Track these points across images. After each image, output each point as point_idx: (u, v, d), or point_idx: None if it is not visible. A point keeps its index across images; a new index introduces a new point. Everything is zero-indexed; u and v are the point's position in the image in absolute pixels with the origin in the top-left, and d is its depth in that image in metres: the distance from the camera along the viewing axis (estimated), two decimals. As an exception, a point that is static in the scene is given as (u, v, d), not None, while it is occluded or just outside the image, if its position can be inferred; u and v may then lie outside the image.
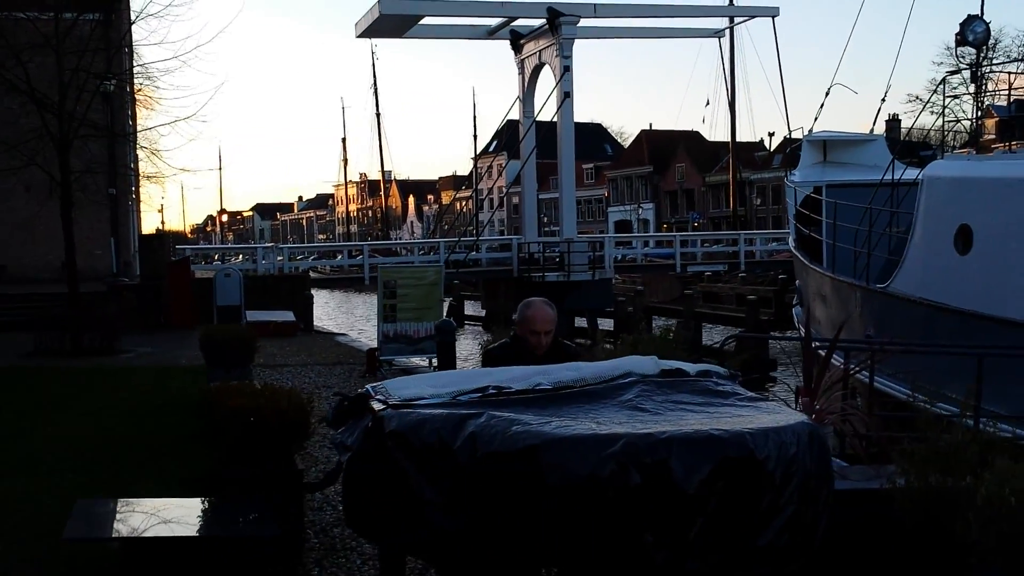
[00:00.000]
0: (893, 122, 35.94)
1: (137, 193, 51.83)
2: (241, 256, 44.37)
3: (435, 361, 14.60)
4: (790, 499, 3.73)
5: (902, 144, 23.13)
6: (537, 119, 38.14)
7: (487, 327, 40.70)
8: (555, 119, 35.89)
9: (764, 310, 29.18)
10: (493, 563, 3.88)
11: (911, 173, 13.68)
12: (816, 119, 20.42)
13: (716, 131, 74.01)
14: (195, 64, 61.25)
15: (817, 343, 8.77)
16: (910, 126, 19.10)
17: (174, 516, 4.99)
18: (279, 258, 33.29)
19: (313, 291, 39.10)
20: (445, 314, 45.21)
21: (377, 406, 4.27)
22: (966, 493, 4.53)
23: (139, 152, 34.60)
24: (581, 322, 36.52)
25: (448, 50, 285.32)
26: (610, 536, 3.58)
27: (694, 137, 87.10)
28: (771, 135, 70.53)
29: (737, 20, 41.71)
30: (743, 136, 62.09)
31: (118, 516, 4.85)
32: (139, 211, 52.33)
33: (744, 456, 3.63)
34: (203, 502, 5.34)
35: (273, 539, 4.81)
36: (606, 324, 35.81)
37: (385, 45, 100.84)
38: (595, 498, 3.56)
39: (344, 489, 4.30)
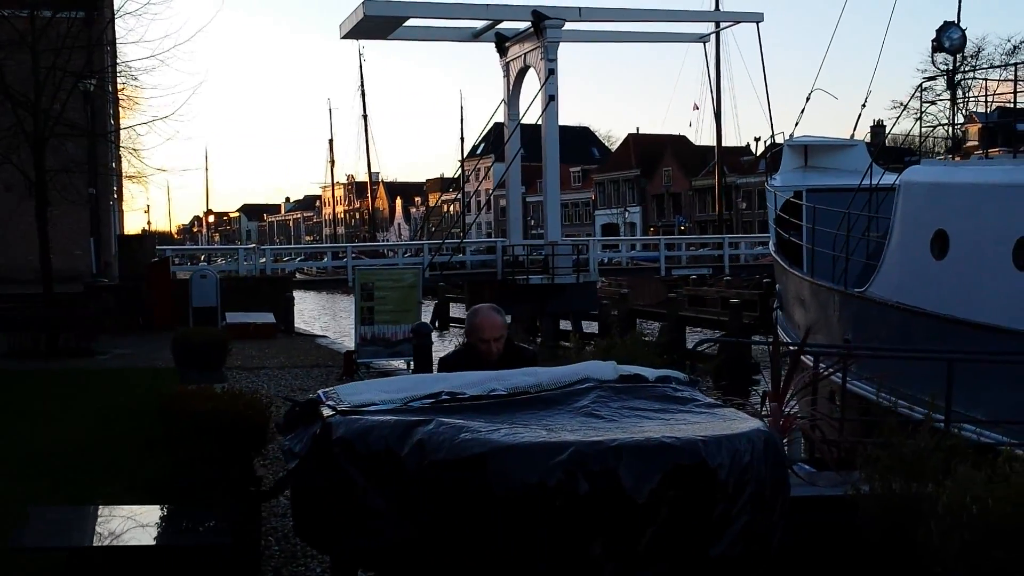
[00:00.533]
0: (877, 128, 36.06)
1: (120, 193, 51.60)
2: (225, 258, 44.18)
3: (413, 364, 14.50)
4: (744, 508, 3.65)
5: (886, 149, 23.16)
6: (523, 122, 38.12)
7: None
8: (540, 122, 35.83)
9: (748, 313, 29.16)
10: (442, 575, 3.79)
11: (889, 178, 13.66)
12: (797, 124, 20.47)
13: (703, 135, 74.24)
14: (174, 63, 61.05)
15: (790, 347, 8.73)
16: (889, 131, 19.08)
17: (124, 525, 4.87)
18: (261, 260, 33.06)
19: (298, 293, 38.95)
20: (430, 316, 45.34)
21: (327, 412, 4.18)
22: (929, 500, 4.47)
23: (120, 152, 34.49)
24: (566, 325, 36.53)
25: (435, 52, 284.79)
26: (559, 547, 3.49)
27: (681, 141, 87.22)
28: (757, 140, 70.79)
29: (722, 25, 41.74)
30: (729, 141, 62.26)
31: (68, 524, 4.75)
32: (121, 211, 52.07)
33: (696, 464, 3.55)
34: (157, 510, 5.23)
35: (224, 548, 4.70)
36: (592, 327, 35.86)
37: (372, 47, 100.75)
38: (543, 508, 3.47)
39: (292, 498, 4.21)
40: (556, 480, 3.45)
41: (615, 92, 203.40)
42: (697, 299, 38.68)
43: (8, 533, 4.76)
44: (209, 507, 4.95)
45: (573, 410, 4.18)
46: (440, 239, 38.17)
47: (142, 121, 22.51)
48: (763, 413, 6.12)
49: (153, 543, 4.68)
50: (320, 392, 4.49)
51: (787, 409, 6.27)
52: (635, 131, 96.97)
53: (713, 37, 44.49)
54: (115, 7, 22.81)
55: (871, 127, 36.02)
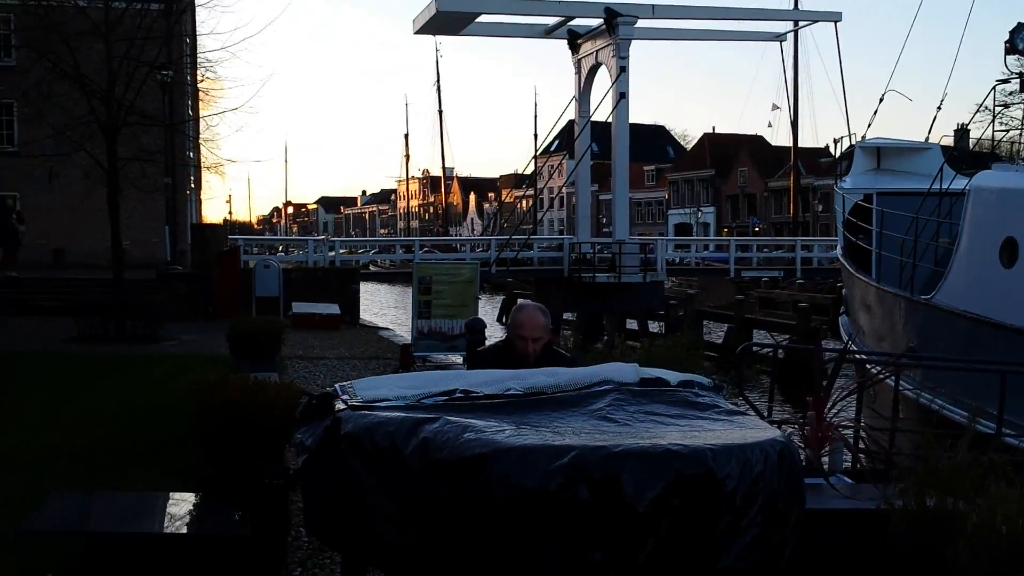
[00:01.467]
0: (961, 132, 35.09)
1: (199, 183, 52.66)
2: (298, 249, 44.73)
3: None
4: (754, 521, 3.53)
5: (970, 154, 22.49)
6: (595, 119, 37.90)
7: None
8: (610, 120, 35.59)
9: (819, 317, 28.57)
10: (447, 577, 3.73)
11: (962, 183, 13.27)
12: (869, 125, 19.84)
13: (780, 136, 73.11)
14: (244, 56, 61.88)
15: (861, 354, 8.48)
16: (963, 134, 18.38)
17: (145, 512, 4.92)
18: (331, 252, 33.39)
19: (371, 285, 39.14)
20: (498, 312, 45.35)
21: (339, 407, 4.15)
22: (960, 518, 4.30)
23: (199, 142, 35.09)
24: (632, 324, 36.26)
25: (509, 48, 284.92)
26: (559, 552, 3.41)
27: (757, 141, 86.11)
28: (836, 141, 69.34)
29: (799, 24, 40.99)
30: (807, 142, 61.25)
31: (87, 509, 4.80)
32: (200, 200, 53.11)
33: (702, 473, 3.44)
34: (180, 498, 5.26)
35: (243, 539, 4.70)
36: (658, 327, 35.54)
37: (448, 41, 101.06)
38: (544, 512, 3.39)
39: (302, 493, 4.19)
40: (556, 484, 3.37)
41: (691, 91, 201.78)
42: (768, 301, 38.10)
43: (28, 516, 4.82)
44: (231, 497, 4.96)
45: (587, 413, 4.09)
46: (509, 235, 38.12)
47: (213, 112, 22.80)
48: (802, 421, 5.97)
49: (171, 531, 4.70)
50: (337, 386, 4.46)
51: (829, 417, 6.12)
52: (711, 130, 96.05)
53: (791, 36, 43.75)
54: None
55: (954, 131, 35.06)
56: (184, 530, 4.74)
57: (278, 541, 5.59)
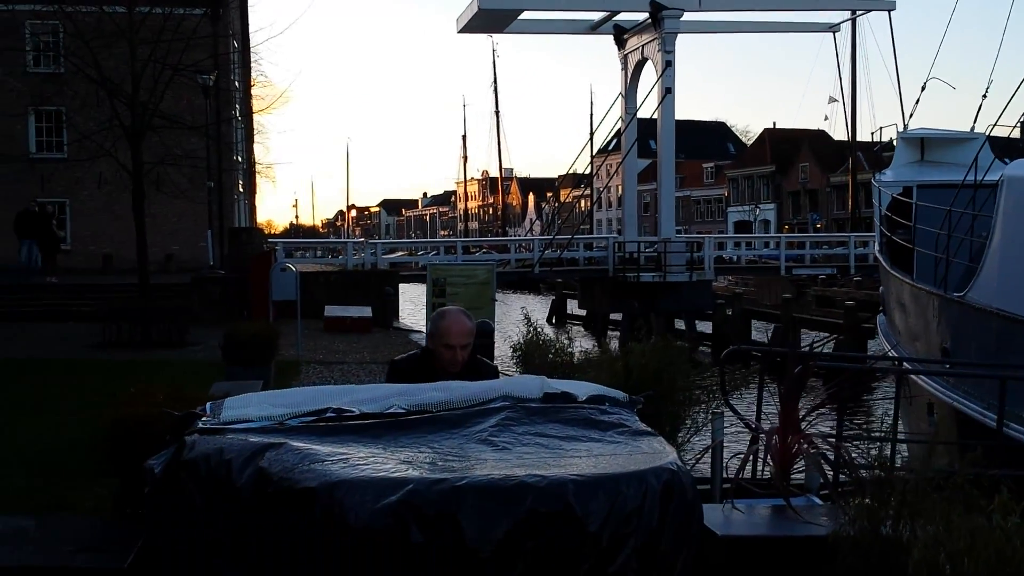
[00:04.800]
0: (1024, 120, 33.71)
1: (252, 185, 52.95)
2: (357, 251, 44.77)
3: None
4: (625, 567, 3.02)
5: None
6: (651, 117, 37.15)
7: (587, 326, 40.03)
8: (655, 116, 34.89)
9: (868, 315, 27.55)
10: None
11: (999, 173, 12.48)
12: (911, 115, 18.82)
13: (837, 129, 71.48)
14: (268, 56, 61.95)
15: (898, 359, 7.88)
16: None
17: (32, 539, 4.53)
18: (371, 253, 33.21)
19: (418, 287, 38.45)
20: (547, 313, 44.83)
21: (194, 428, 3.73)
22: (905, 551, 3.72)
23: (249, 145, 35.16)
24: (681, 324, 35.54)
25: (558, 46, 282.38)
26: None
27: (819, 136, 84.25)
28: (873, 134, 67.51)
29: (851, 15, 39.80)
30: (866, 135, 59.61)
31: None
32: (253, 204, 53.37)
33: (558, 511, 2.94)
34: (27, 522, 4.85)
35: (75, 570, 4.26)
36: (706, 327, 34.78)
37: (498, 40, 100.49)
38: (372, 557, 2.93)
39: (145, 527, 3.76)
40: (384, 523, 2.90)
41: (752, 86, 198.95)
42: (825, 300, 37.07)
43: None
44: (96, 521, 4.55)
45: (467, 435, 3.61)
46: (552, 235, 37.59)
47: (232, 116, 22.67)
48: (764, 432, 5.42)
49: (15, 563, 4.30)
50: (208, 404, 4.04)
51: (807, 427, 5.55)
52: (771, 126, 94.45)
53: (847, 27, 42.62)
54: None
55: (1020, 122, 33.68)
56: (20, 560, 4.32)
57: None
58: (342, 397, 3.97)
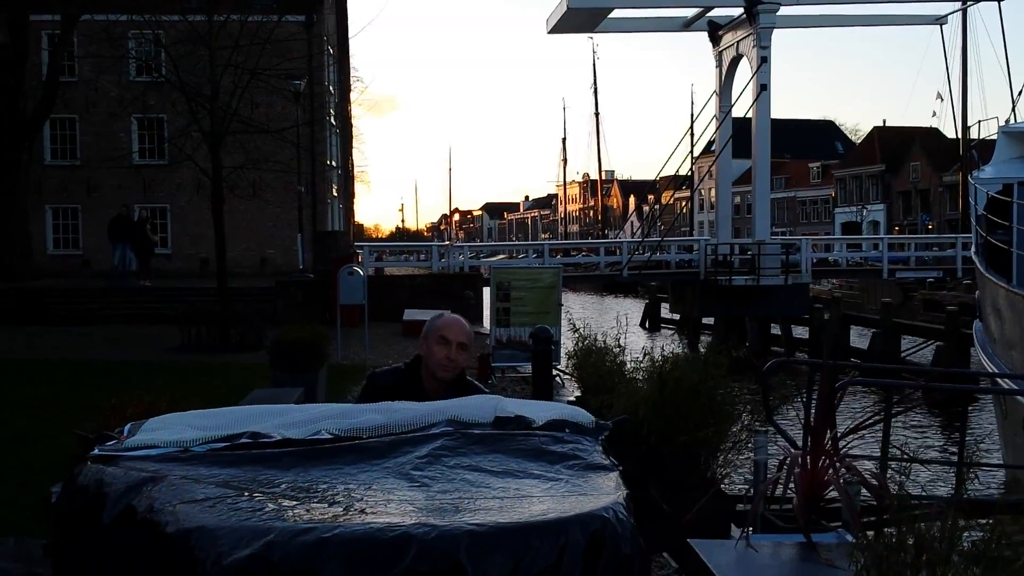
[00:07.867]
0: None
1: (350, 189, 53.35)
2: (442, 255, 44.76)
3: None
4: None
5: None
6: (742, 116, 36.16)
7: (680, 330, 39.09)
8: (749, 114, 33.85)
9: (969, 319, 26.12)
10: None
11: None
12: (1013, 109, 17.51)
13: (947, 126, 68.70)
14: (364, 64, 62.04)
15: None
16: None
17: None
18: (460, 256, 32.99)
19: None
20: (640, 318, 44.02)
21: (95, 454, 3.33)
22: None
23: (349, 149, 35.31)
24: (776, 330, 34.40)
25: (654, 45, 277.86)
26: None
27: (932, 134, 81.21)
28: (968, 128, 64.49)
29: (959, 6, 38.03)
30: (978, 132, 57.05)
31: None
32: (351, 209, 53.84)
33: (442, 570, 2.44)
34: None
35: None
36: (803, 332, 33.58)
37: (596, 41, 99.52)
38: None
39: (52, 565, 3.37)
40: (234, 585, 2.44)
41: (859, 83, 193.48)
42: (932, 304, 35.44)
43: None
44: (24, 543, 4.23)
45: (389, 468, 3.11)
46: (641, 238, 36.81)
47: (326, 120, 22.64)
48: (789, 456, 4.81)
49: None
50: (129, 424, 3.65)
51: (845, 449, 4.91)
52: (881, 123, 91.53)
53: (956, 19, 40.79)
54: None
55: None
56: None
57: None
58: (270, 419, 3.54)
